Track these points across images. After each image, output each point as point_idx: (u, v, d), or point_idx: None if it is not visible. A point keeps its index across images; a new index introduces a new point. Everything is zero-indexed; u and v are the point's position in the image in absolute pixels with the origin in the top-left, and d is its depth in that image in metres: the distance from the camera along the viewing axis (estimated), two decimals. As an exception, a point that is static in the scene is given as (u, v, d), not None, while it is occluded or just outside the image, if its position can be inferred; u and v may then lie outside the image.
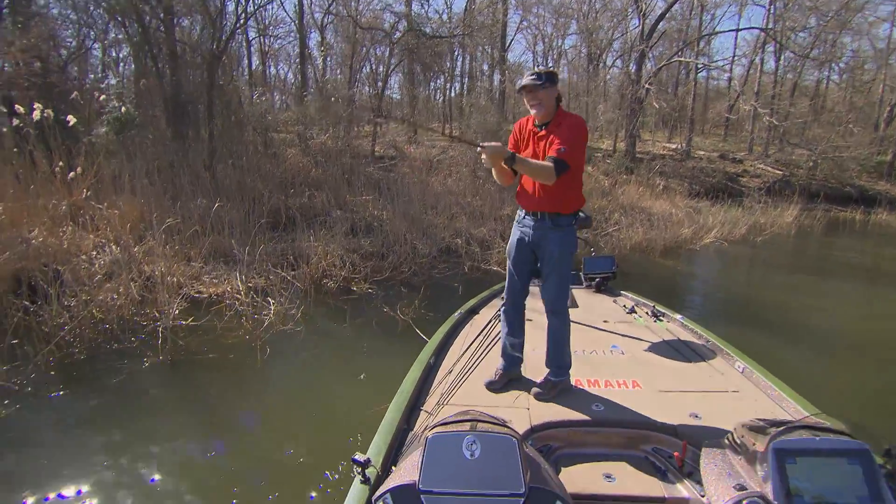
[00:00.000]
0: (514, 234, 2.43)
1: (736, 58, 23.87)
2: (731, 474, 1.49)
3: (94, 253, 5.65)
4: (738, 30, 22.32)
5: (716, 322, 5.52)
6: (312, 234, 6.99)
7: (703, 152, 19.05)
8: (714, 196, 13.98)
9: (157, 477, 2.70)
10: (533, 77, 2.20)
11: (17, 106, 6.26)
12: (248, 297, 5.18)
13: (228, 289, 5.32)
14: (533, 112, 2.26)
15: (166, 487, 2.64)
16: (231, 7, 10.39)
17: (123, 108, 8.42)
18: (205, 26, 9.62)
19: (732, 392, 2.31)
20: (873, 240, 12.31)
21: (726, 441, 1.63)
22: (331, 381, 3.86)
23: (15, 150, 6.14)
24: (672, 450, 1.87)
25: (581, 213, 2.93)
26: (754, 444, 1.45)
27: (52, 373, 3.74)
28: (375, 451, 1.79)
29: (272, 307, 4.89)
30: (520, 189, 2.39)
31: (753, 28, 21.21)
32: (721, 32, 24.35)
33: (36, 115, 6.06)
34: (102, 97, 8.68)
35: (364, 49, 16.69)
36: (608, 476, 1.81)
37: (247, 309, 4.91)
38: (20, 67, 9.46)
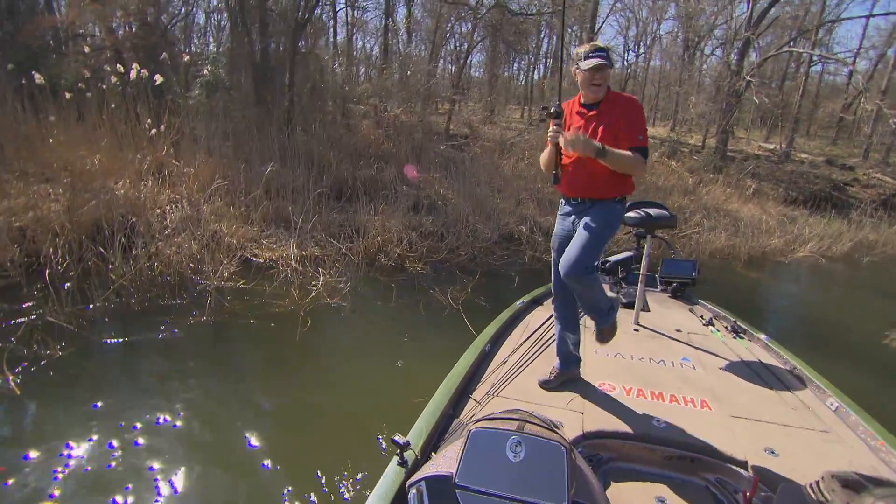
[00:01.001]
0: (559, 225, 2.27)
1: (863, 50, 20.98)
2: None
3: (169, 208, 5.86)
4: (869, 16, 19.47)
5: (801, 347, 4.90)
6: (373, 207, 6.88)
7: (806, 155, 17.17)
8: (814, 205, 12.57)
9: (182, 441, 2.66)
10: (602, 55, 2.00)
11: (118, 65, 6.57)
12: (301, 265, 5.15)
13: (283, 255, 5.31)
14: (592, 93, 2.05)
15: (189, 450, 2.58)
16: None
17: (214, 73, 8.74)
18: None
19: (821, 432, 2.01)
20: None
21: (809, 490, 1.37)
22: (366, 365, 3.69)
23: (114, 106, 6.45)
24: (740, 485, 1.68)
25: (666, 212, 2.88)
26: (847, 503, 1.22)
27: (107, 319, 3.85)
28: (417, 434, 1.69)
29: (321, 278, 4.81)
30: (564, 178, 2.15)
31: (890, 14, 18.34)
32: (848, 19, 21.32)
33: (133, 74, 6.30)
34: (198, 62, 9.04)
35: (449, 25, 16.40)
36: (661, 500, 1.65)
37: (297, 277, 4.86)
38: (128, 29, 10.06)
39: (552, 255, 2.30)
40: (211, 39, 13.60)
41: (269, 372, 3.49)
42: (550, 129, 2.04)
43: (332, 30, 16.73)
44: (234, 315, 4.11)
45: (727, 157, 14.94)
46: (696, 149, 15.76)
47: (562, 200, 2.26)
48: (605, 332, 2.25)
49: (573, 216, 2.19)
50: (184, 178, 6.42)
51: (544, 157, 2.20)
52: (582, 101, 2.11)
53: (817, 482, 1.35)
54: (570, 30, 17.66)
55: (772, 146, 17.86)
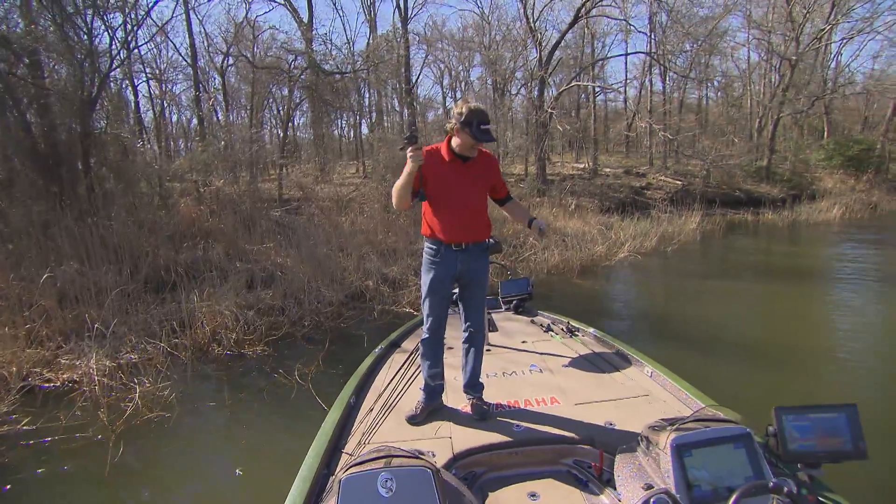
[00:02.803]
0: (435, 269, 2.38)
1: (628, 80, 25.65)
2: (640, 475, 1.58)
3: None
4: (626, 54, 24.00)
5: (632, 333, 5.82)
6: (200, 292, 6.15)
7: (609, 169, 19.83)
8: (623, 210, 14.41)
9: None
10: (491, 128, 2.27)
11: None
12: (113, 378, 4.34)
13: (86, 372, 4.42)
14: (470, 152, 2.32)
15: None
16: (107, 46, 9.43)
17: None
18: (72, 70, 8.60)
19: (643, 396, 2.41)
20: (764, 238, 13.18)
21: (637, 444, 1.70)
22: (197, 486, 3.14)
23: None
24: (591, 460, 1.96)
25: (492, 239, 2.99)
26: (657, 443, 1.55)
27: None
28: (290, 502, 1.67)
29: (138, 389, 4.08)
30: (439, 224, 2.35)
31: (639, 52, 22.85)
32: (612, 57, 26.15)
33: None
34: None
35: (269, 89, 16.11)
36: (532, 495, 1.83)
37: (105, 395, 4.06)
38: None
39: (429, 298, 2.41)
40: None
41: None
42: (410, 152, 2.16)
43: (135, 105, 15.39)
44: (12, 471, 3.23)
45: (548, 180, 16.56)
46: (520, 177, 17.25)
47: (435, 245, 2.37)
48: (487, 406, 2.41)
49: (457, 262, 2.36)
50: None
51: (401, 181, 2.24)
52: (457, 152, 2.31)
53: (639, 437, 1.69)
54: (387, 84, 18.55)
55: (582, 166, 20.35)
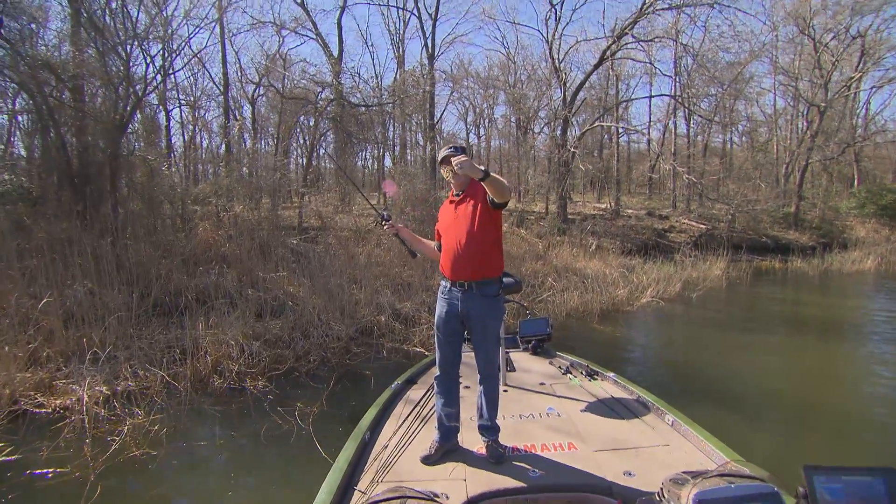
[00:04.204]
0: (441, 307, 2.45)
1: (652, 122, 25.51)
2: None
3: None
4: (650, 97, 23.93)
5: (653, 381, 5.57)
6: (207, 319, 6.00)
7: (631, 211, 19.58)
8: (645, 253, 14.07)
9: None
10: (451, 149, 2.40)
11: None
12: (107, 407, 4.12)
13: (85, 397, 4.21)
14: (451, 180, 2.46)
15: None
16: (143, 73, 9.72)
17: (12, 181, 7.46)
18: (107, 94, 8.85)
19: (663, 446, 2.34)
20: (793, 287, 12.60)
21: (656, 497, 1.65)
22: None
23: None
24: None
25: (511, 279, 3.04)
26: (679, 498, 1.49)
27: None
28: None
29: (128, 421, 3.85)
30: (443, 260, 2.46)
31: (664, 95, 22.78)
32: (636, 99, 26.12)
33: None
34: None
35: (297, 119, 16.41)
36: None
37: (93, 426, 3.84)
38: None
39: (436, 335, 2.47)
40: (19, 143, 11.80)
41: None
42: (386, 228, 2.63)
43: (167, 129, 15.78)
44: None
45: (568, 219, 16.36)
46: (541, 215, 17.09)
47: (445, 282, 2.45)
48: (503, 450, 2.35)
49: (460, 302, 2.38)
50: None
51: (412, 245, 2.74)
52: (454, 192, 2.50)
53: (659, 489, 1.64)
54: (412, 119, 18.76)
55: (603, 206, 20.13)
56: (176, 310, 6.54)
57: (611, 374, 3.29)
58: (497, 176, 2.23)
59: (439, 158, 2.46)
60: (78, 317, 5.56)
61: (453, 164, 2.16)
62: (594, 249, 13.19)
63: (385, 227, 2.65)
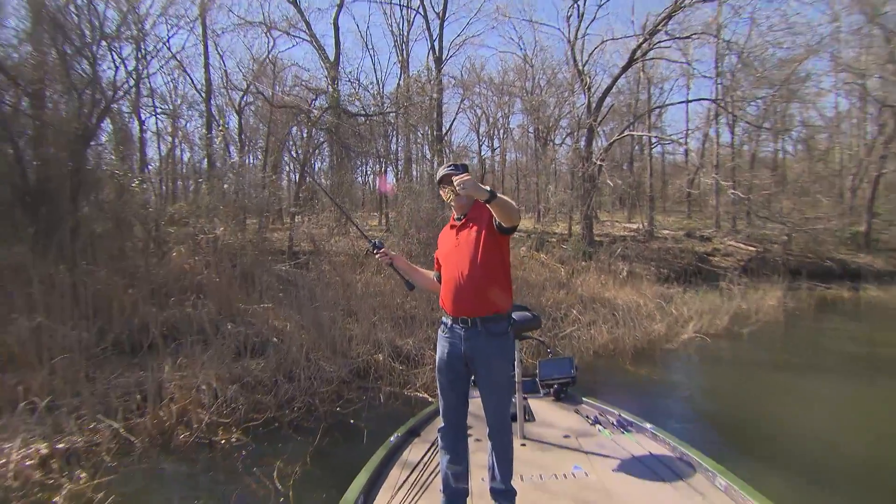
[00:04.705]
0: (442, 347, 2.45)
1: (690, 131, 25.32)
2: None
3: None
4: (687, 101, 23.75)
5: (697, 434, 5.38)
6: (175, 358, 5.87)
7: (667, 231, 19.43)
8: (685, 280, 13.78)
9: None
10: (450, 168, 2.47)
11: None
12: (43, 469, 3.94)
13: (14, 458, 4.02)
14: (452, 203, 2.49)
15: None
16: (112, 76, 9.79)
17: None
18: (71, 100, 8.88)
19: None
20: (868, 321, 12.15)
21: None
22: None
23: None
24: None
25: (527, 313, 3.15)
26: None
27: None
28: None
29: (65, 488, 3.66)
30: (444, 293, 2.46)
31: (704, 99, 22.65)
32: (671, 105, 25.92)
33: None
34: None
35: (288, 131, 16.57)
36: None
37: (18, 497, 3.64)
38: None
39: (438, 379, 2.47)
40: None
41: None
42: (378, 257, 2.69)
43: (140, 140, 15.97)
44: None
45: (595, 241, 16.21)
46: (563, 237, 16.97)
47: (446, 319, 2.45)
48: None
49: (463, 341, 2.37)
50: None
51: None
52: (456, 216, 2.54)
53: None
54: (417, 130, 18.85)
55: (635, 226, 19.94)
56: (140, 348, 6.43)
57: (648, 426, 3.24)
58: (505, 197, 2.22)
59: (437, 178, 2.53)
60: (20, 357, 5.43)
61: (455, 183, 2.16)
62: (625, 276, 12.99)
63: (377, 257, 2.68)
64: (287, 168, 20.51)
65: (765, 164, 24.04)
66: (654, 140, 22.67)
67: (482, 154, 26.59)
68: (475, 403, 2.56)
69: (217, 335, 6.89)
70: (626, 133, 19.19)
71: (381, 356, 6.91)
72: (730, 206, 20.46)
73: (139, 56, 10.03)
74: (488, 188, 2.17)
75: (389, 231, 14.10)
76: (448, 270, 2.45)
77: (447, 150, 19.47)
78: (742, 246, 17.81)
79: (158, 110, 15.56)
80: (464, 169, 2.43)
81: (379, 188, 14.97)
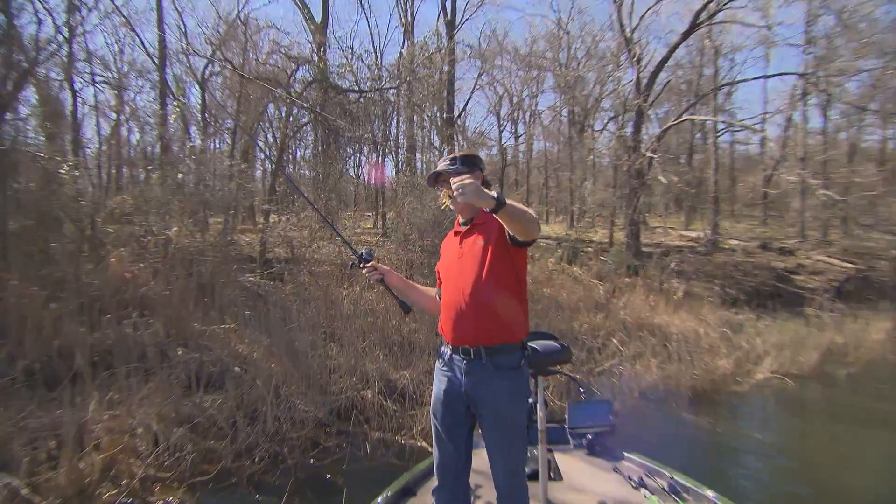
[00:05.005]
0: (439, 383, 2.49)
1: (769, 114, 24.84)
2: None
3: None
4: (766, 77, 23.32)
5: None
6: (106, 393, 5.82)
7: (736, 242, 19.38)
8: (759, 304, 13.70)
9: None
10: (449, 163, 2.53)
11: None
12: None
13: None
14: (465, 213, 2.55)
15: None
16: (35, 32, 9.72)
17: None
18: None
19: None
20: None
21: None
22: None
23: None
24: None
25: (553, 342, 3.20)
26: None
27: None
28: None
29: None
30: (443, 315, 2.49)
31: (787, 74, 21.66)
32: (744, 81, 25.27)
33: None
34: None
35: (264, 109, 16.64)
36: None
37: None
38: None
39: (432, 423, 2.49)
40: None
41: None
42: (365, 272, 2.68)
43: (73, 115, 16.02)
44: None
45: (642, 253, 16.17)
46: (603, 247, 16.98)
47: (445, 348, 2.48)
48: None
49: (464, 376, 2.38)
50: None
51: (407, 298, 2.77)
52: (461, 220, 2.59)
53: None
54: (423, 111, 18.85)
55: (694, 234, 19.83)
56: (60, 379, 6.33)
57: (709, 494, 3.21)
58: (516, 205, 2.17)
59: (431, 175, 2.60)
60: None
61: (452, 186, 2.10)
62: (681, 297, 13.01)
63: (364, 272, 2.69)
64: (261, 155, 20.60)
65: (868, 157, 23.58)
66: (721, 126, 22.47)
67: (503, 142, 26.63)
68: (482, 457, 2.52)
69: (163, 363, 6.91)
70: (685, 117, 19.04)
71: (369, 393, 6.96)
72: (819, 211, 20.13)
73: (71, 6, 9.96)
74: (495, 194, 2.11)
75: (386, 236, 14.06)
76: (448, 288, 2.47)
77: (459, 137, 19.47)
78: (835, 262, 17.58)
79: (98, 79, 15.55)
80: (467, 164, 2.47)
81: (368, 176, 14.92)
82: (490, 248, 2.34)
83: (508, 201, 2.14)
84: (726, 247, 18.51)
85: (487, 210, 2.12)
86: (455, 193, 2.07)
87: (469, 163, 2.50)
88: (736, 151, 28.24)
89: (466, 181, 2.06)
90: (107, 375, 6.28)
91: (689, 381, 8.30)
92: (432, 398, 2.51)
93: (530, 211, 2.24)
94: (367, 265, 2.66)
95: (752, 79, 24.18)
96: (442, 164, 2.53)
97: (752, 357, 9.50)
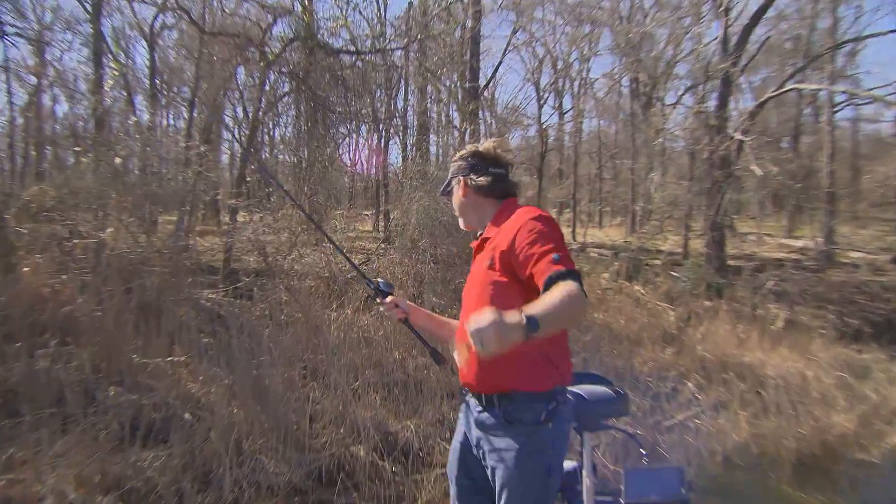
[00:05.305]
0: (457, 432, 2.66)
1: (907, 81, 24.61)
2: None
3: None
4: (904, 29, 23.03)
5: None
6: (8, 447, 5.85)
7: (859, 254, 19.20)
8: (893, 339, 13.66)
9: None
10: (455, 171, 2.71)
11: None
12: None
13: None
14: (478, 224, 2.70)
15: None
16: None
17: None
18: None
19: None
20: None
21: None
22: None
23: None
24: None
25: (604, 388, 3.34)
26: None
27: None
28: None
29: None
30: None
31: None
32: (870, 37, 24.28)
33: None
34: None
35: (233, 74, 16.76)
36: None
37: None
38: None
39: (450, 483, 2.65)
40: None
41: None
42: (384, 310, 2.86)
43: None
44: None
45: (728, 267, 16.15)
46: (675, 259, 17.07)
47: (464, 393, 2.62)
48: None
49: (475, 425, 2.48)
50: None
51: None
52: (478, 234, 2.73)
53: None
54: (439, 79, 18.85)
55: (801, 243, 19.66)
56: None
57: None
58: (555, 314, 2.02)
59: (447, 183, 2.80)
60: None
61: (468, 336, 1.94)
62: (781, 328, 12.94)
63: (382, 309, 2.87)
64: (228, 135, 20.74)
65: None
66: (840, 98, 22.25)
67: (543, 121, 26.57)
68: None
69: (88, 408, 6.88)
70: (789, 86, 18.92)
71: (361, 449, 6.97)
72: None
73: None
74: (524, 319, 1.92)
75: (388, 242, 14.08)
76: (462, 317, 2.58)
77: (487, 114, 19.46)
78: None
79: (10, 29, 15.71)
80: (474, 169, 2.63)
81: (366, 164, 14.99)
82: (495, 272, 2.38)
83: (542, 311, 1.97)
84: (846, 261, 18.51)
85: (522, 342, 1.94)
86: (476, 347, 1.90)
87: (476, 167, 2.61)
88: (861, 132, 28.07)
89: (483, 325, 1.85)
90: (10, 425, 6.28)
91: (792, 442, 8.20)
92: (450, 452, 2.65)
93: (569, 305, 2.06)
94: (386, 301, 2.76)
95: (884, 33, 23.17)
96: (453, 167, 2.65)
97: (884, 413, 9.40)
